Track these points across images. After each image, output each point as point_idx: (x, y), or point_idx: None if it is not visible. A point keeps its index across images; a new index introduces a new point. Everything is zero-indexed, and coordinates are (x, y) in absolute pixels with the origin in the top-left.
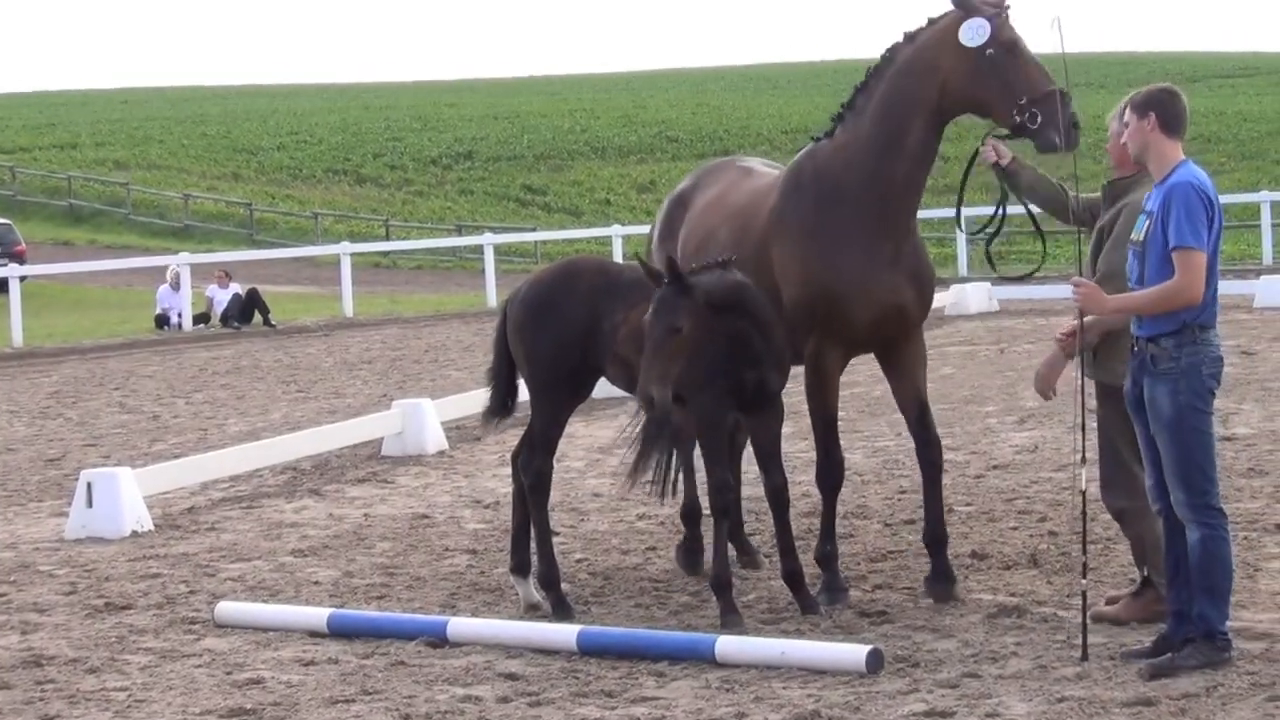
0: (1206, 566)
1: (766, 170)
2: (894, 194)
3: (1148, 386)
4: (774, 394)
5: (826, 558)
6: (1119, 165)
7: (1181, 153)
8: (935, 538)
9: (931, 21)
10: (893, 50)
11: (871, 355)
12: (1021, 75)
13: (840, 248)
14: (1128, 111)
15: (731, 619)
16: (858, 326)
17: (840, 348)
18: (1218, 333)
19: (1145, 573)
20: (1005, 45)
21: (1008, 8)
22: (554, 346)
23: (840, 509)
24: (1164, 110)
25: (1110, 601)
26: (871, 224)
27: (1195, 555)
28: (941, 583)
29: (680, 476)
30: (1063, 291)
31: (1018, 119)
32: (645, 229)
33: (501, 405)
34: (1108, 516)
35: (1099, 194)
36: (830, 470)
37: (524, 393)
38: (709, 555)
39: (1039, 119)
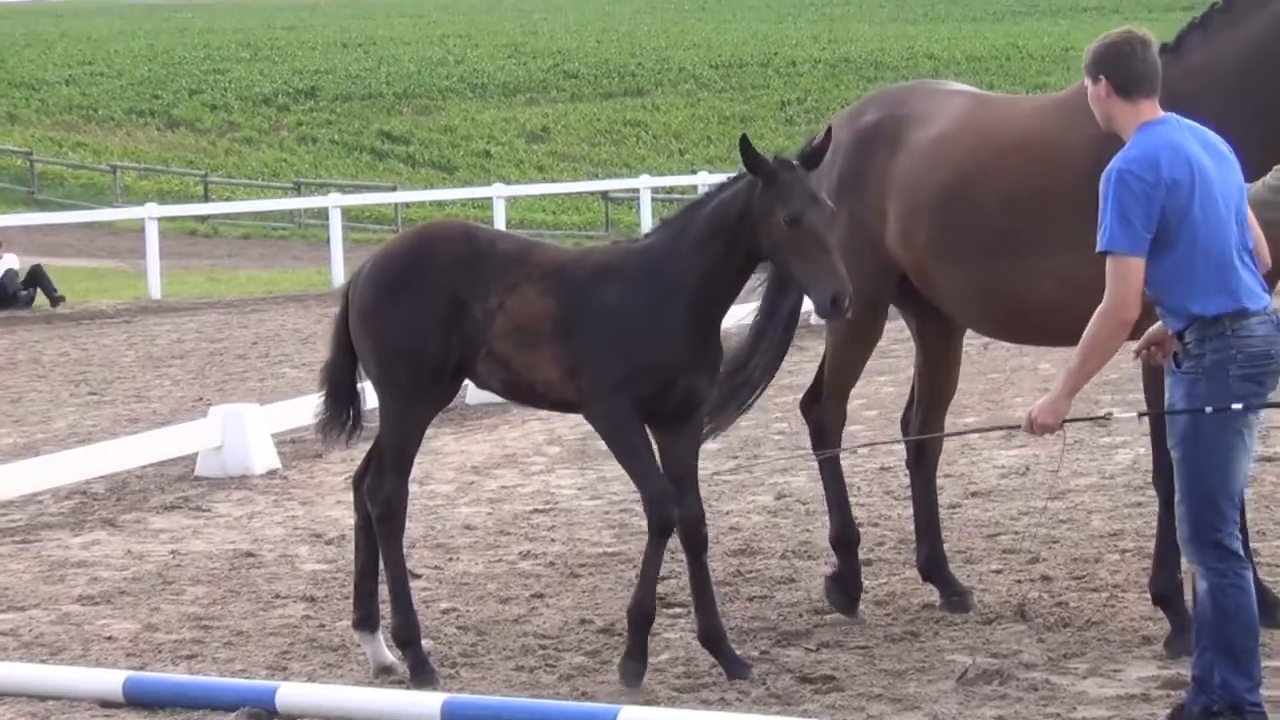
0: (1219, 623)
1: (998, 94)
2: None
3: (1168, 390)
4: (699, 404)
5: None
6: None
7: (1147, 112)
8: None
9: None
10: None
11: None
12: None
13: None
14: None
15: (633, 666)
16: None
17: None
18: (1272, 319)
19: None
20: None
21: None
22: (407, 338)
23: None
24: (1115, 71)
25: None
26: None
27: (1204, 609)
28: None
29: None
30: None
31: None
32: (535, 189)
33: (341, 414)
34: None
35: None
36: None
37: (372, 398)
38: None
39: None
